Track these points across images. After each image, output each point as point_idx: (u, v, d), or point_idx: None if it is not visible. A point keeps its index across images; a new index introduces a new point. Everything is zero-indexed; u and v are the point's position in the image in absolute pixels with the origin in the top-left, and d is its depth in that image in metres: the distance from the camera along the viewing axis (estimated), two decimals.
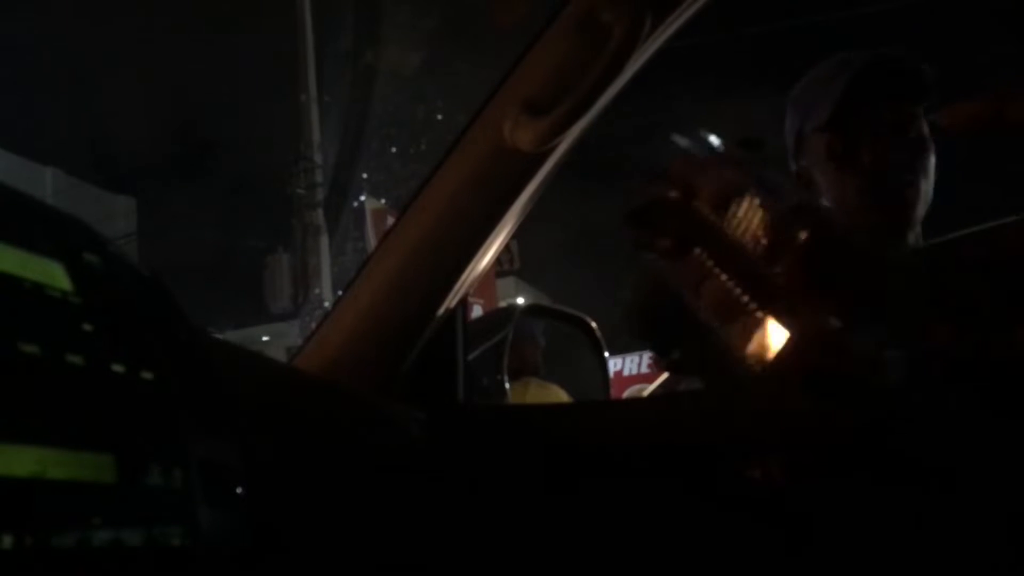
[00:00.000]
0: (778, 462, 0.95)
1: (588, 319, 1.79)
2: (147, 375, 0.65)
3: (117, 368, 0.63)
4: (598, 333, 1.79)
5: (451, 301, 1.21)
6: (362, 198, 15.07)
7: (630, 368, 13.03)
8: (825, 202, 1.52)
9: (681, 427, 1.04)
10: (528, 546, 0.97)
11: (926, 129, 1.52)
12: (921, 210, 1.51)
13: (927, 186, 1.52)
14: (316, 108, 14.21)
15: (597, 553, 0.97)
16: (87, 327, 0.63)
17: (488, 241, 1.19)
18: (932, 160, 1.52)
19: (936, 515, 0.88)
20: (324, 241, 13.72)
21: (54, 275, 0.64)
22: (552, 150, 1.13)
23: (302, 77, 14.18)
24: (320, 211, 13.82)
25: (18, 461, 0.53)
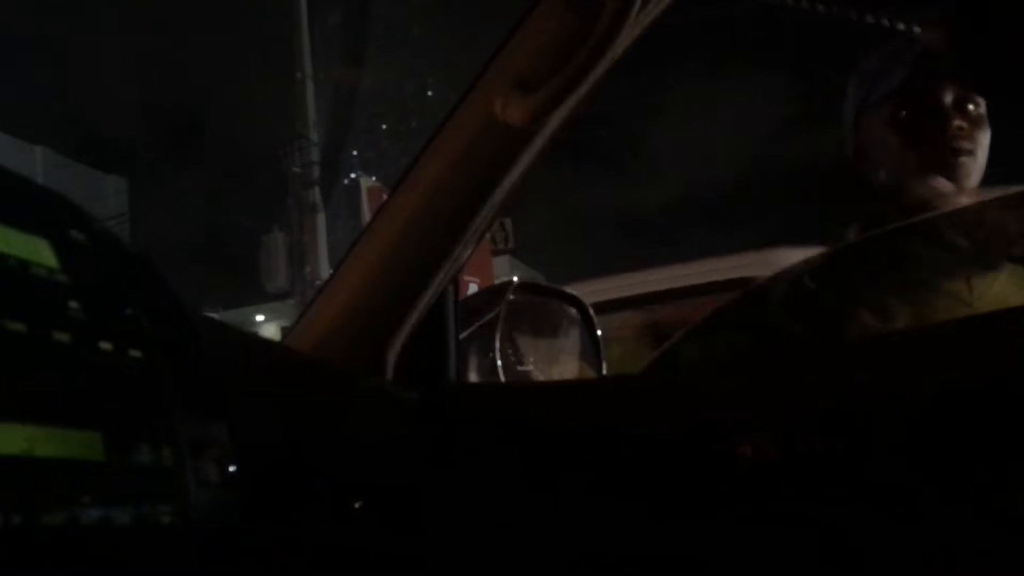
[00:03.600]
0: (771, 440, 0.95)
1: (582, 298, 1.78)
2: (135, 353, 0.64)
3: (104, 346, 0.63)
4: (592, 312, 1.78)
5: (443, 279, 1.21)
6: (352, 175, 15.04)
7: None
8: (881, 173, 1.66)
9: (674, 404, 1.03)
10: (520, 525, 0.97)
11: (984, 108, 1.60)
12: (974, 181, 1.58)
13: (982, 160, 1.59)
14: (311, 86, 14.14)
15: (589, 532, 0.97)
16: (74, 305, 0.62)
17: (479, 218, 1.18)
18: (988, 137, 1.60)
19: (930, 503, 0.88)
20: (320, 219, 13.68)
21: (40, 252, 0.63)
22: (543, 127, 1.12)
23: (297, 55, 14.11)
24: (316, 189, 13.79)
25: (6, 439, 0.53)
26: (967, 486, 0.87)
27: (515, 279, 1.52)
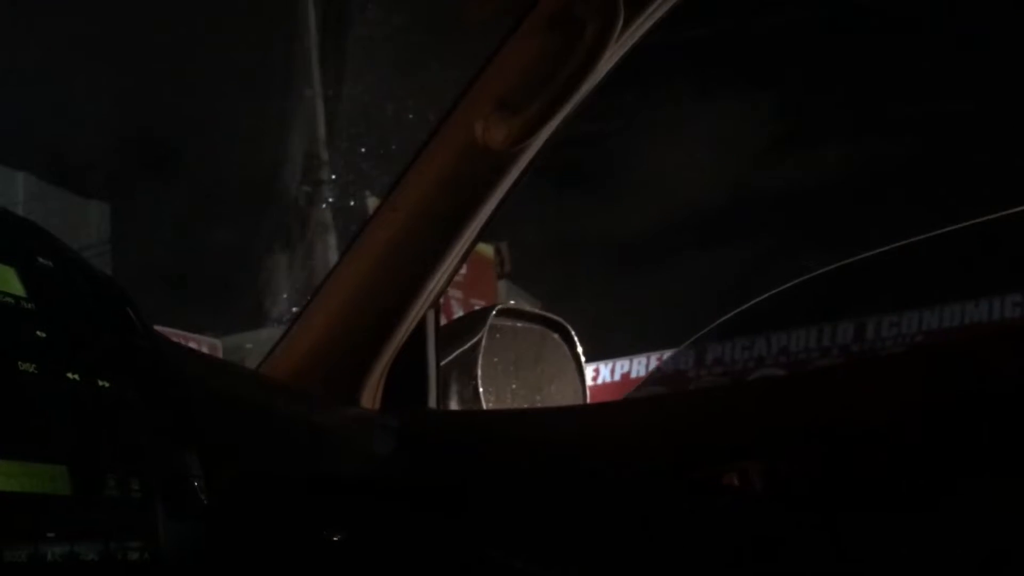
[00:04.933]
0: (757, 469, 0.94)
1: (565, 323, 1.77)
2: (103, 383, 0.63)
3: (72, 376, 0.61)
4: (575, 337, 1.76)
5: (423, 304, 1.19)
6: (330, 200, 14.93)
7: (638, 370, 13.14)
8: None
9: (657, 432, 1.02)
10: (500, 553, 0.95)
11: None
12: None
13: None
14: (321, 103, 13.98)
15: (570, 558, 0.95)
16: (40, 334, 0.61)
17: (460, 244, 1.17)
18: None
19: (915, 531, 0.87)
20: (332, 239, 13.50)
21: (6, 280, 0.62)
22: (525, 149, 1.11)
23: (305, 72, 13.94)
24: (327, 208, 13.64)
25: None
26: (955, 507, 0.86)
27: (512, 303, 1.50)
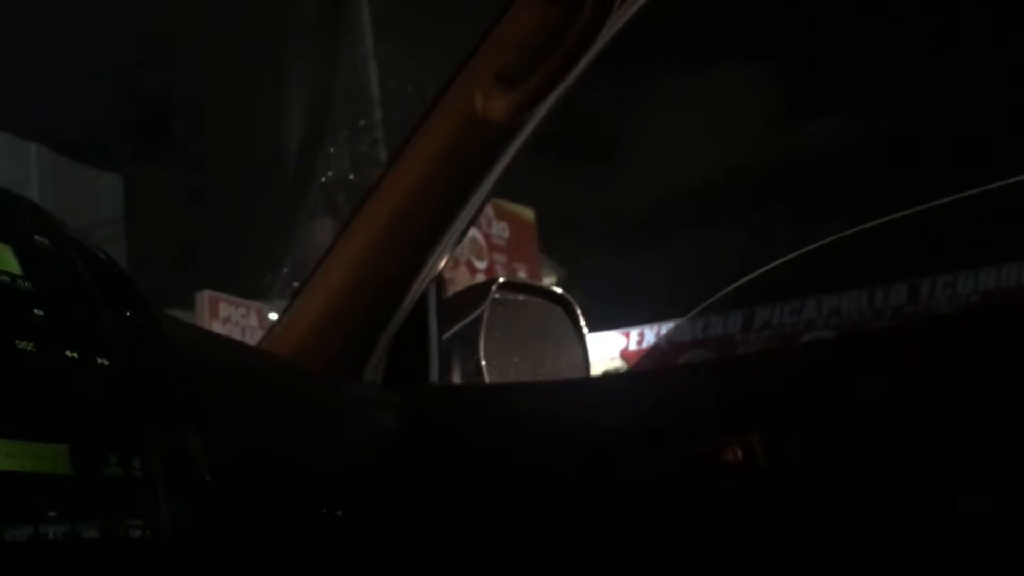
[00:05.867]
0: (760, 443, 0.93)
1: (568, 296, 1.76)
2: (103, 361, 0.62)
3: (71, 354, 0.61)
4: (578, 310, 1.76)
5: (425, 278, 1.19)
6: (330, 174, 14.90)
7: (683, 335, 13.04)
8: None
9: (661, 405, 1.02)
10: (504, 527, 0.95)
11: None
12: None
13: None
14: (374, 63, 13.75)
15: (573, 533, 0.95)
16: (38, 312, 0.61)
17: (462, 215, 1.16)
18: None
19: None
20: None
21: (3, 258, 0.61)
22: (525, 122, 1.11)
23: (357, 32, 13.67)
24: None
25: None
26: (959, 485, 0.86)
27: (501, 279, 1.50)
